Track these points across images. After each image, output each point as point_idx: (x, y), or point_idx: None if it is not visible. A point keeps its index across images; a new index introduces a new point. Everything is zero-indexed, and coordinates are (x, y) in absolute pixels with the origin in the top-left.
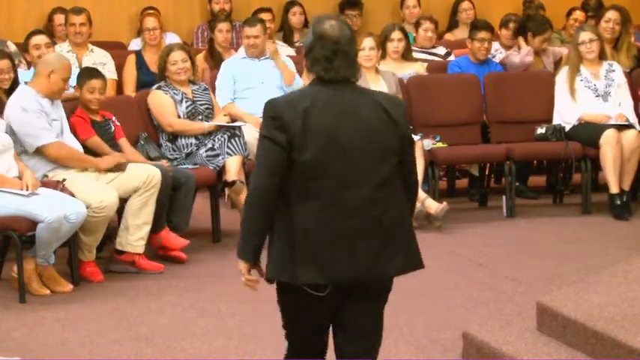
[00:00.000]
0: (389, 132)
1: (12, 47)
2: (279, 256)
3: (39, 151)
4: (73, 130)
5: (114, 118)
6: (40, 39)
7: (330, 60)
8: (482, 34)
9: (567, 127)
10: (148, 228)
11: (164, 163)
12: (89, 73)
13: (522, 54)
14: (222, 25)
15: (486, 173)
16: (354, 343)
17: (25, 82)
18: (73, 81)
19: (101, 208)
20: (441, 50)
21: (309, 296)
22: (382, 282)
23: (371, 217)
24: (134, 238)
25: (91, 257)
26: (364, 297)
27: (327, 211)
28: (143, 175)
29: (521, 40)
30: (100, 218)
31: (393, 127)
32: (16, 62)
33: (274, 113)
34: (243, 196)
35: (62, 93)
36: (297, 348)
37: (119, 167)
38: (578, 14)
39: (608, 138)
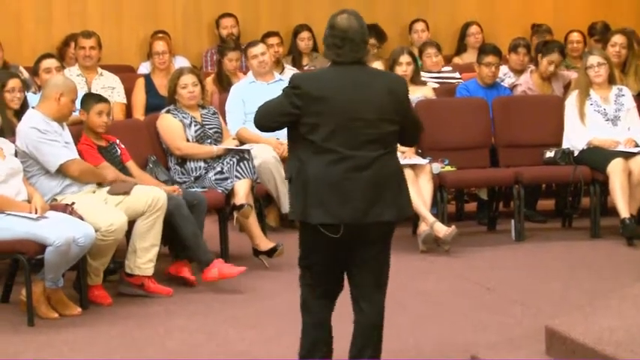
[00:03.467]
0: (391, 105)
1: (25, 73)
2: (296, 201)
3: (61, 169)
4: (82, 159)
5: (118, 141)
6: (51, 62)
7: (340, 46)
8: (490, 59)
9: (576, 151)
10: (156, 250)
11: (175, 187)
12: (95, 98)
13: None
14: (232, 55)
15: (495, 197)
16: (365, 276)
17: (33, 107)
18: (76, 104)
19: (110, 231)
20: (447, 69)
21: (324, 235)
22: (378, 227)
23: (371, 174)
24: (142, 260)
25: (98, 281)
26: (368, 241)
27: (338, 166)
28: (148, 199)
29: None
30: (109, 242)
31: (395, 101)
32: (33, 90)
33: (295, 84)
34: (251, 220)
35: (71, 115)
36: (309, 283)
37: (125, 191)
38: (575, 36)
39: (615, 167)
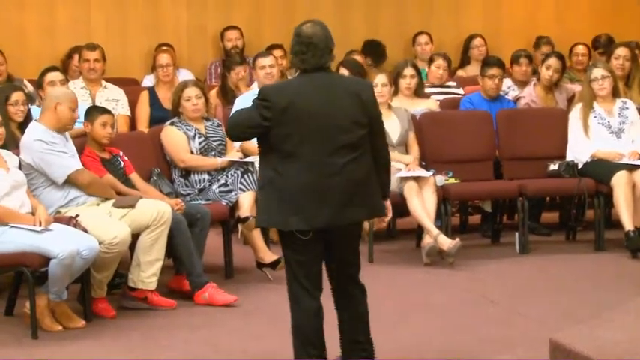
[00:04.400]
0: (358, 109)
1: (29, 87)
2: (270, 210)
3: (70, 179)
4: None
5: (121, 154)
6: (55, 75)
7: (304, 52)
8: (493, 71)
9: (580, 164)
10: (159, 264)
11: (178, 201)
12: (99, 109)
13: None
14: (239, 69)
15: (499, 209)
16: (340, 270)
17: (35, 120)
18: (80, 117)
19: (114, 244)
20: (452, 84)
21: (299, 239)
22: (351, 226)
23: (343, 178)
24: (146, 274)
25: (102, 294)
26: (342, 238)
27: (309, 173)
28: (153, 212)
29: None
30: (113, 254)
31: (361, 105)
32: (37, 103)
33: (263, 96)
34: (255, 233)
35: (73, 124)
36: (295, 281)
37: (130, 204)
38: (580, 49)
39: (619, 180)
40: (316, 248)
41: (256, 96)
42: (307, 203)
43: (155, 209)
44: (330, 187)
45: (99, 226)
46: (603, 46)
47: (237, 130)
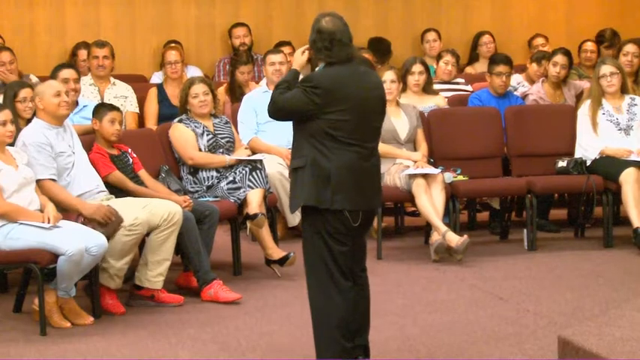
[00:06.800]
0: (380, 101)
1: (34, 80)
2: (317, 188)
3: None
4: (94, 167)
5: (130, 150)
6: (69, 73)
7: (329, 49)
8: (501, 68)
9: (588, 161)
10: (167, 264)
11: (186, 198)
12: (107, 106)
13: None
14: (244, 68)
15: (507, 206)
16: (358, 262)
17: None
18: (89, 114)
19: (135, 225)
20: (461, 81)
21: (343, 225)
22: (374, 213)
23: (374, 163)
24: (153, 274)
25: (120, 284)
26: (365, 227)
27: (353, 156)
28: (164, 213)
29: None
30: (134, 237)
31: (382, 98)
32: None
33: (314, 84)
34: (264, 230)
35: (65, 107)
36: (329, 276)
37: (106, 221)
38: (589, 45)
39: (627, 176)
40: (351, 236)
41: (304, 82)
42: (352, 185)
43: (166, 210)
44: (368, 170)
45: (120, 209)
46: (608, 40)
47: (284, 112)
